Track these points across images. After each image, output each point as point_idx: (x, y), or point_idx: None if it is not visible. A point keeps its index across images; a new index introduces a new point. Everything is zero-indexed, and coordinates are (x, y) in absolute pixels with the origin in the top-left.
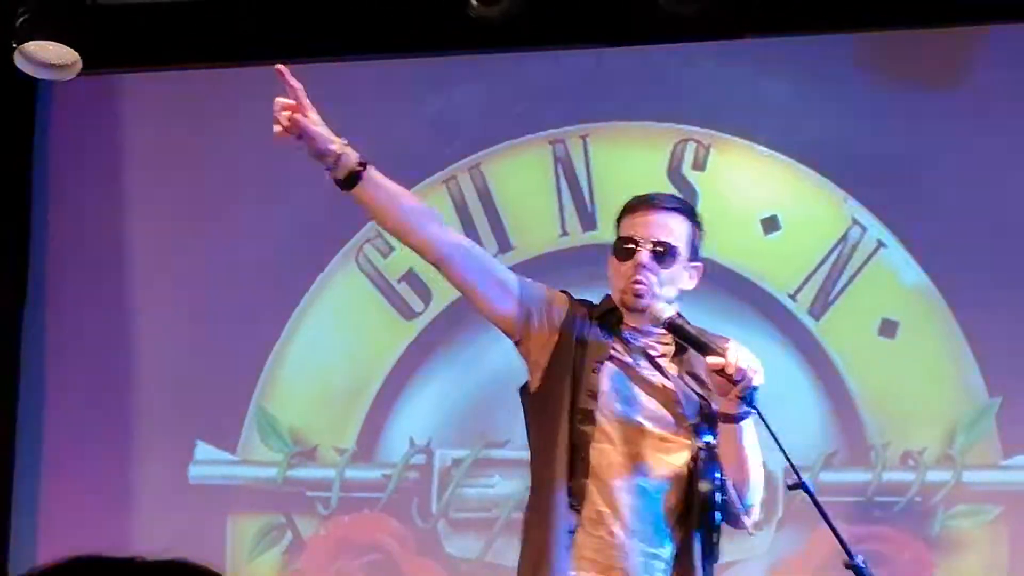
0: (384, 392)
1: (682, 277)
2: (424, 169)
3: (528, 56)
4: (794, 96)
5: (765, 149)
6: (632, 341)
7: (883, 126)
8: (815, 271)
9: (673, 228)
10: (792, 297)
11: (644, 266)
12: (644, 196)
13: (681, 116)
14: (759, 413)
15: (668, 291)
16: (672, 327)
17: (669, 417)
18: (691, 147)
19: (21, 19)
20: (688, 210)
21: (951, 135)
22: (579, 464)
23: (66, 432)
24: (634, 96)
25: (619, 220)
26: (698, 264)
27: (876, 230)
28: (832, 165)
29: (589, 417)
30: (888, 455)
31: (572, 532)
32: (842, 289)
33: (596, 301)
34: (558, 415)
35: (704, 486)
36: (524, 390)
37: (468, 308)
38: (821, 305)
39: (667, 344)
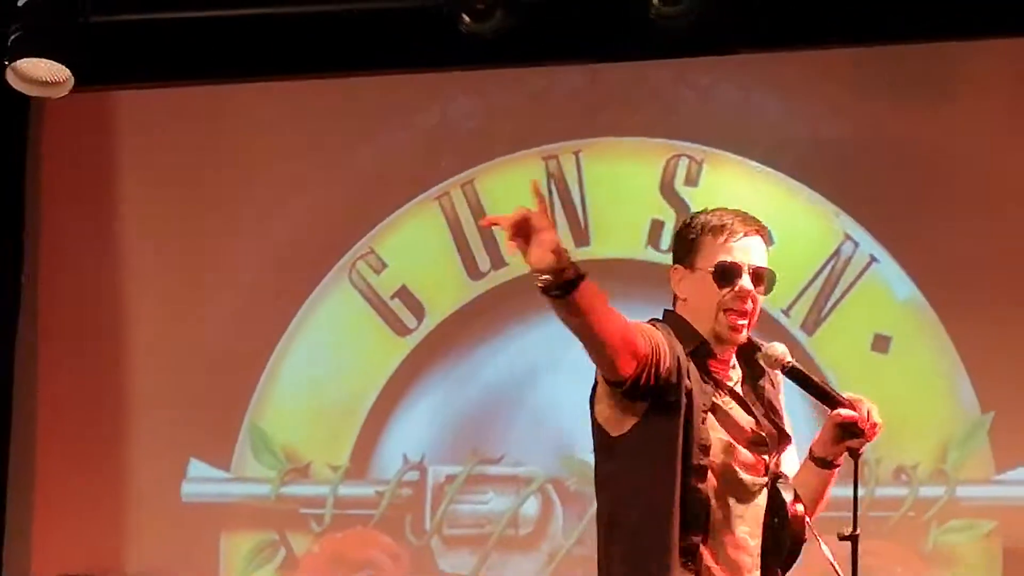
0: (377, 409)
1: None
2: (417, 185)
3: (521, 72)
4: (786, 112)
5: (758, 164)
6: (719, 377)
7: (875, 141)
8: (808, 286)
9: (765, 255)
10: (785, 312)
11: (749, 295)
12: (740, 216)
13: (674, 132)
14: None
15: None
16: (795, 374)
17: (753, 459)
18: (684, 162)
19: (13, 36)
20: (771, 240)
21: (942, 150)
22: (692, 522)
23: (60, 449)
24: (627, 111)
25: (698, 236)
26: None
27: (868, 245)
28: (824, 180)
29: (702, 474)
30: (881, 470)
31: None
32: (835, 304)
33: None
34: (669, 467)
35: (796, 523)
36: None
37: (461, 324)
38: (814, 320)
39: (735, 368)
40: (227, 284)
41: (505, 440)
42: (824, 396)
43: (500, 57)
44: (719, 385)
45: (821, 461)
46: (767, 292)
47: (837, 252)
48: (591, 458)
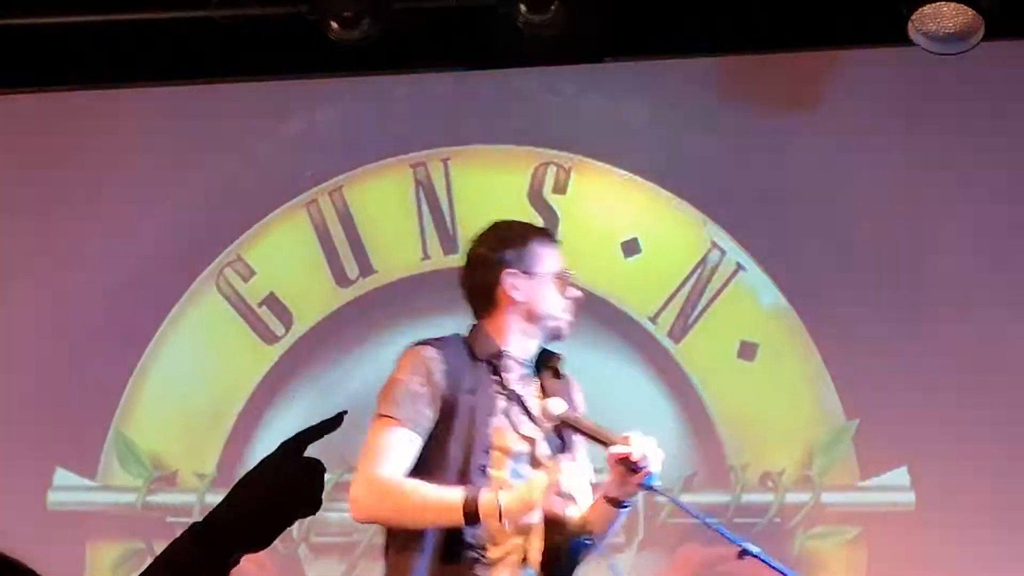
0: (245, 416)
1: None
2: (285, 192)
3: (388, 79)
4: (653, 120)
5: (626, 172)
6: (509, 385)
7: (741, 149)
8: (675, 294)
9: None
10: (652, 320)
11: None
12: (548, 229)
13: (542, 139)
14: (655, 489)
15: None
16: (567, 424)
17: (531, 469)
18: (552, 170)
19: None
20: None
21: (808, 159)
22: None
23: None
24: (495, 119)
25: (530, 246)
26: None
27: (735, 253)
28: (691, 188)
29: (483, 478)
30: (747, 477)
31: None
32: (701, 312)
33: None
34: (453, 471)
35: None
36: None
37: (329, 332)
38: (681, 328)
39: (531, 375)
40: (92, 291)
41: None
42: (597, 439)
43: (367, 64)
44: (507, 392)
45: (613, 500)
46: None
47: (704, 260)
48: None
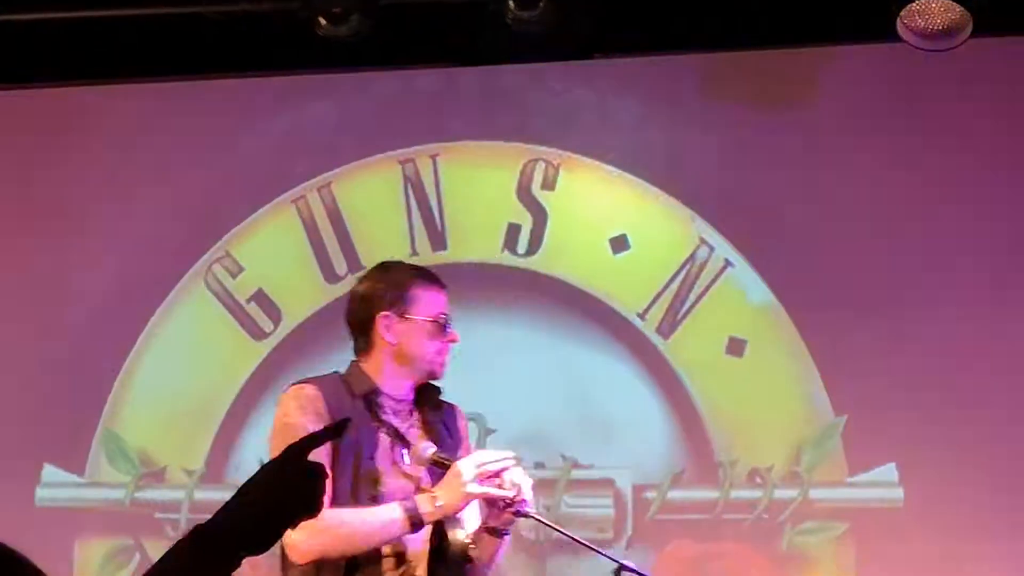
0: (234, 413)
1: None
2: (273, 187)
3: (377, 75)
4: (642, 116)
5: (614, 169)
6: (391, 416)
7: (730, 146)
8: (663, 290)
9: None
10: (641, 316)
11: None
12: (434, 274)
13: (531, 136)
14: (530, 516)
15: None
16: (439, 464)
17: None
18: (541, 167)
19: None
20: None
21: (796, 155)
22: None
23: None
24: (484, 116)
25: (408, 290)
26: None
27: (723, 249)
28: (680, 185)
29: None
30: (736, 473)
31: None
32: (690, 308)
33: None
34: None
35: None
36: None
37: (318, 328)
38: (669, 324)
39: (410, 408)
40: (80, 287)
41: None
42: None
43: (356, 60)
44: (386, 428)
45: (493, 531)
46: None
47: (692, 256)
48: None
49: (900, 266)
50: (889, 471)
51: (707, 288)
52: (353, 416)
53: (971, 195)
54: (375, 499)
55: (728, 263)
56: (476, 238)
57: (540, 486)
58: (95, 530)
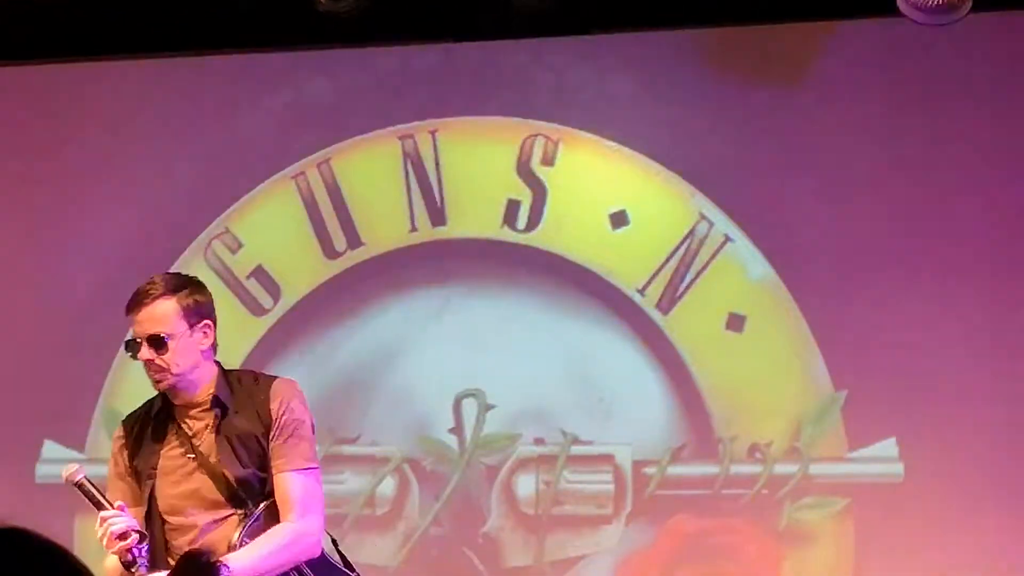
0: None
1: (193, 344)
2: (273, 164)
3: (377, 51)
4: (641, 92)
5: (614, 144)
6: (182, 426)
7: (729, 121)
8: (663, 266)
9: (158, 316)
10: (640, 292)
11: (151, 360)
12: (132, 297)
13: (530, 111)
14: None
15: (186, 362)
16: (79, 487)
17: (184, 515)
18: (540, 142)
19: None
20: (171, 288)
21: (796, 130)
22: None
23: None
24: (483, 91)
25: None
26: (207, 321)
27: (723, 225)
28: (679, 160)
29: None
30: (735, 448)
31: None
32: (690, 284)
33: None
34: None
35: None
36: None
37: (317, 304)
38: (669, 300)
39: (209, 413)
40: (79, 263)
41: (362, 420)
42: (93, 503)
43: (356, 37)
44: (179, 434)
45: (124, 564)
46: (163, 351)
47: (692, 232)
48: (447, 438)
49: (901, 242)
50: (889, 446)
51: (707, 264)
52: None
53: (972, 170)
54: None
55: (728, 238)
56: (475, 214)
57: (540, 462)
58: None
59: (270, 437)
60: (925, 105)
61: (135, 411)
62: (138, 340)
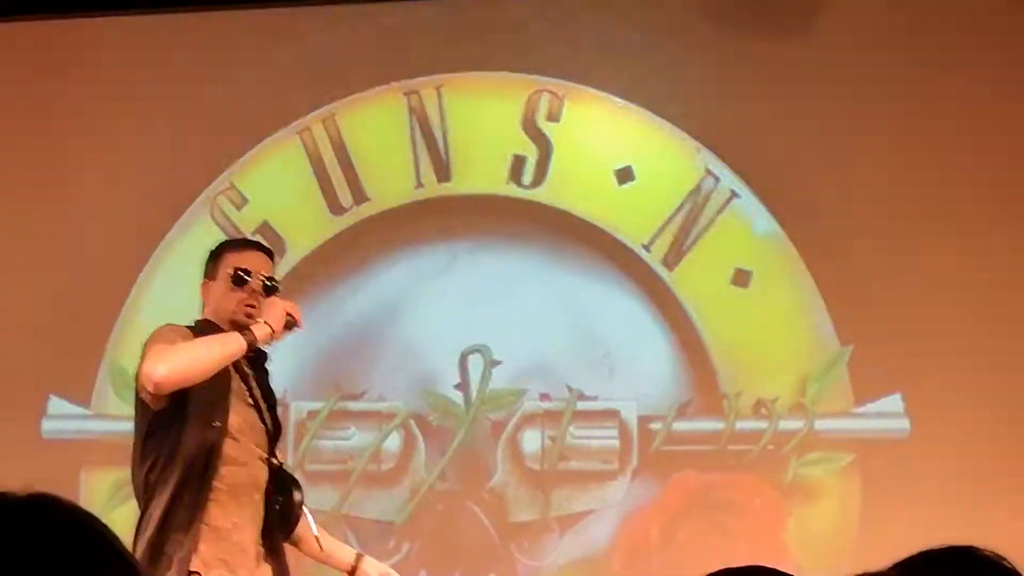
0: None
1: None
2: (278, 120)
3: (381, 6)
4: (647, 46)
5: (619, 100)
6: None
7: (735, 77)
8: (669, 221)
9: (271, 270)
10: (646, 247)
11: (257, 297)
12: (249, 241)
13: (536, 67)
14: None
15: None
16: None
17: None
18: (546, 98)
19: None
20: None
21: (801, 86)
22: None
23: None
24: (489, 47)
25: (219, 256)
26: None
27: (729, 180)
28: (685, 115)
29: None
30: (741, 404)
31: None
32: (695, 239)
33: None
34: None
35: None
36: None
37: (323, 260)
38: (675, 255)
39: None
40: (85, 219)
41: (367, 375)
42: None
43: None
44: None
45: None
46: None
47: (698, 187)
48: (453, 393)
49: (906, 197)
50: (895, 401)
51: (712, 219)
52: None
53: (979, 123)
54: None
55: (734, 194)
56: (481, 169)
57: (546, 418)
58: (101, 461)
59: None
60: (933, 56)
61: None
62: (259, 275)
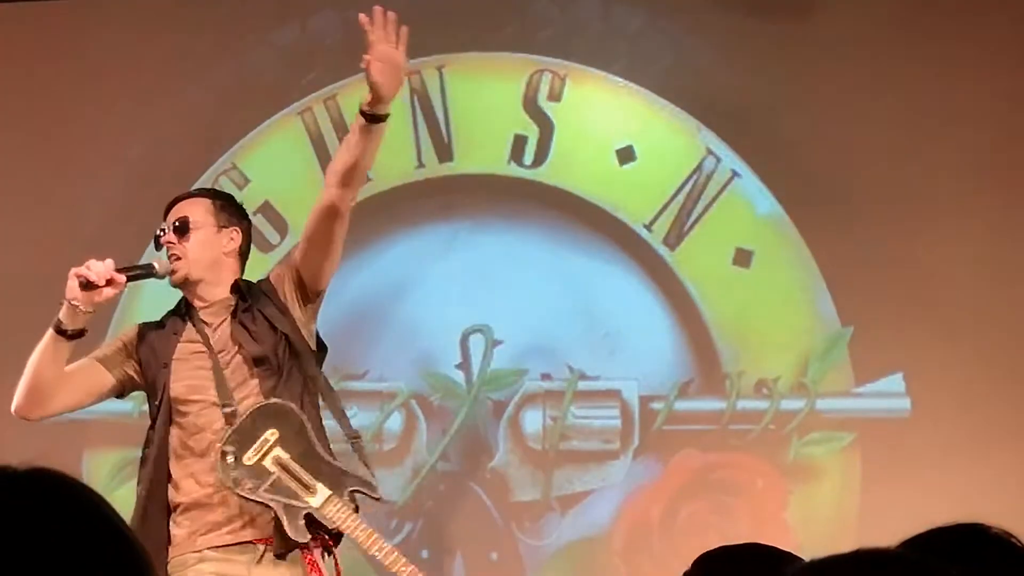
0: None
1: (216, 242)
2: (279, 100)
3: None
4: (648, 26)
5: (620, 80)
6: (199, 324)
7: (737, 56)
8: (670, 201)
9: (187, 208)
10: (648, 227)
11: (171, 242)
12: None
13: (537, 46)
14: None
15: (203, 256)
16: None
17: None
18: (547, 78)
19: None
20: (208, 193)
21: (804, 64)
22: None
23: None
24: (490, 26)
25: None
26: (236, 228)
27: (730, 160)
28: (686, 95)
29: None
30: (742, 384)
31: None
32: (697, 219)
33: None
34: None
35: None
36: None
37: None
38: (676, 235)
39: (226, 310)
40: (85, 200)
41: (368, 355)
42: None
43: None
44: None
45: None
46: (184, 236)
47: (699, 167)
48: (454, 373)
49: (907, 176)
50: (896, 381)
51: (714, 199)
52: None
53: (978, 102)
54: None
55: (735, 174)
56: (482, 149)
57: (547, 398)
58: (104, 441)
59: (284, 287)
60: (935, 35)
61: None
62: (164, 228)
